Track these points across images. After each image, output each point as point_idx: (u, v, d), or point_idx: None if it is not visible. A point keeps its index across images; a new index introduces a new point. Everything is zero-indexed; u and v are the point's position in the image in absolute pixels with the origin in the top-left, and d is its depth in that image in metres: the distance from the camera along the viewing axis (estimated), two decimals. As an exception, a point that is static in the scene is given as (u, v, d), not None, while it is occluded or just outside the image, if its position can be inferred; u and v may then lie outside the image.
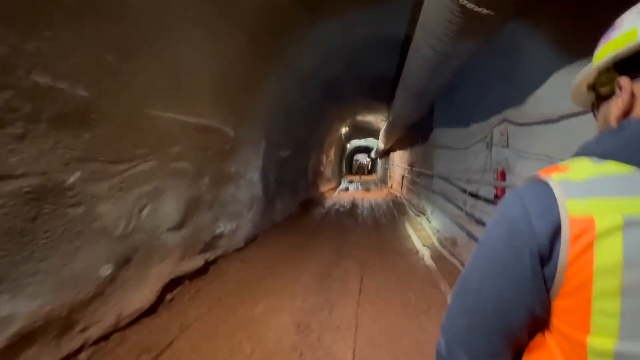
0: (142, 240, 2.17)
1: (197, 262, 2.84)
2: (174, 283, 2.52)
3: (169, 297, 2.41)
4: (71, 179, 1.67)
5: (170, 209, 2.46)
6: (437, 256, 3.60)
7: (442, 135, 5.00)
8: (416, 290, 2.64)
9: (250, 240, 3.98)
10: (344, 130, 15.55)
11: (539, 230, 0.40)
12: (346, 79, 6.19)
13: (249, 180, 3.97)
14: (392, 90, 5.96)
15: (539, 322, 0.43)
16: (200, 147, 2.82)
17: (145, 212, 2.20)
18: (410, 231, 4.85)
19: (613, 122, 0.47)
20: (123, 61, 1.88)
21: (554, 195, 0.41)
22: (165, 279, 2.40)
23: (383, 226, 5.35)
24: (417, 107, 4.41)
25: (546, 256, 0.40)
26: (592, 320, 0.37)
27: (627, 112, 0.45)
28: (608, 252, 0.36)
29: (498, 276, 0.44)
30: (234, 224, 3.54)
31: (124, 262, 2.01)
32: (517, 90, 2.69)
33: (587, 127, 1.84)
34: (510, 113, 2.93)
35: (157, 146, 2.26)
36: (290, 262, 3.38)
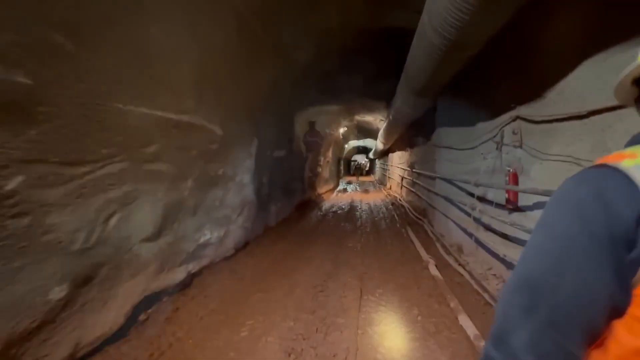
0: (108, 254, 1.88)
1: (178, 275, 2.55)
2: (149, 301, 2.23)
3: (142, 317, 2.12)
4: (11, 185, 1.38)
5: (144, 216, 2.17)
6: (442, 265, 3.33)
7: (446, 134, 4.74)
8: (422, 307, 2.37)
9: (241, 248, 3.69)
10: (342, 130, 15.28)
11: (623, 214, 0.39)
12: (344, 75, 5.92)
13: (239, 182, 3.68)
14: (392, 88, 5.70)
15: (618, 312, 0.39)
16: (181, 147, 2.53)
17: (112, 221, 1.91)
18: (412, 236, 4.58)
19: None
20: (81, 44, 1.59)
21: (633, 180, 0.40)
22: (137, 297, 2.10)
23: (383, 231, 5.08)
24: (420, 104, 4.15)
25: (631, 241, 0.38)
26: None
27: None
28: None
29: (574, 266, 0.41)
30: (221, 231, 3.25)
31: (83, 281, 1.72)
32: (534, 83, 2.43)
33: (629, 123, 1.58)
34: (524, 109, 2.66)
35: (128, 145, 1.97)
36: (283, 272, 3.09)
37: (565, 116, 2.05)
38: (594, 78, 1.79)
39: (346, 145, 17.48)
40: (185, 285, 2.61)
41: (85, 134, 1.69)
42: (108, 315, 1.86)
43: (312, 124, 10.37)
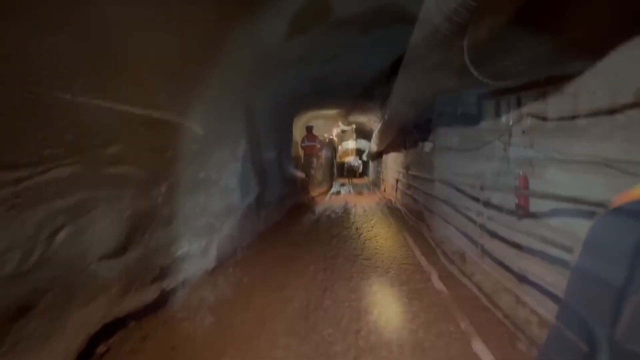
0: (54, 277, 1.54)
1: (149, 294, 2.21)
2: (112, 328, 1.89)
3: (101, 349, 1.78)
4: None
5: (104, 229, 1.84)
6: (445, 275, 3.07)
7: (445, 134, 4.50)
8: (428, 328, 2.08)
9: (226, 258, 3.36)
10: (335, 132, 15.03)
11: None
12: (338, 73, 5.65)
13: (223, 187, 3.36)
14: (388, 87, 5.47)
15: None
16: (152, 147, 2.21)
17: (60, 236, 1.58)
18: (411, 243, 4.32)
19: None
20: (12, 20, 1.27)
21: None
22: (95, 325, 1.77)
23: (379, 236, 4.81)
24: (419, 102, 3.89)
25: None
26: None
27: None
28: None
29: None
30: (203, 241, 2.92)
31: (17, 314, 1.38)
32: (549, 75, 2.19)
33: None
34: (537, 105, 2.43)
35: (81, 145, 1.65)
36: (273, 287, 2.78)
37: (590, 111, 1.81)
38: (630, 66, 1.55)
39: (340, 147, 17.26)
40: (158, 306, 2.27)
41: (19, 132, 1.36)
42: (53, 352, 1.52)
43: (309, 129, 10.06)
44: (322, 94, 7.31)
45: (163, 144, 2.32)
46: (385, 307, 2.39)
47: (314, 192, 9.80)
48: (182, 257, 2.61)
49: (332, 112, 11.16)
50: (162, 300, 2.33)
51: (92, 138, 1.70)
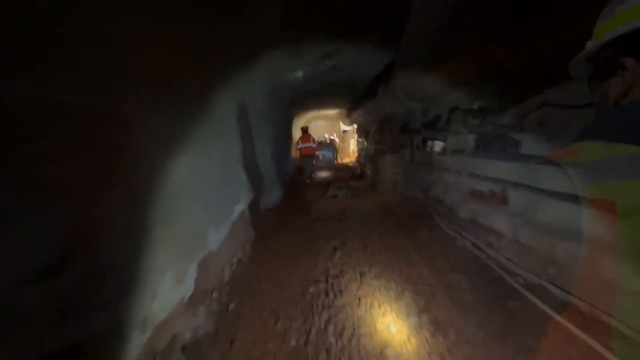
0: (-60, 315, 1.16)
1: (96, 323, 1.82)
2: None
3: (19, 401, 1.39)
4: None
5: (26, 247, 1.46)
6: (454, 288, 2.68)
7: (458, 132, 4.14)
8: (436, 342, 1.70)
9: (209, 279, 2.96)
10: (336, 132, 14.69)
11: None
12: (336, 67, 5.30)
13: (201, 191, 2.98)
14: (387, 86, 5.12)
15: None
16: (100, 145, 1.84)
17: (-48, 259, 1.20)
18: (412, 250, 3.94)
19: (612, 101, 0.50)
20: None
21: (570, 179, 0.41)
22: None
23: (377, 242, 4.43)
24: (419, 97, 3.53)
25: None
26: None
27: (626, 92, 0.47)
28: (633, 233, 0.38)
29: None
30: (177, 259, 2.53)
31: None
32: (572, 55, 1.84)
33: None
34: (555, 92, 2.08)
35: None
36: (263, 316, 2.38)
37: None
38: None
39: (340, 147, 16.97)
40: (110, 336, 1.88)
41: None
42: None
43: (304, 129, 9.76)
44: (322, 92, 6.97)
45: (115, 140, 1.94)
46: (404, 347, 1.96)
47: (311, 196, 9.42)
48: (145, 277, 2.22)
49: (333, 111, 10.80)
50: (115, 330, 1.94)
51: (1, 131, 1.33)
